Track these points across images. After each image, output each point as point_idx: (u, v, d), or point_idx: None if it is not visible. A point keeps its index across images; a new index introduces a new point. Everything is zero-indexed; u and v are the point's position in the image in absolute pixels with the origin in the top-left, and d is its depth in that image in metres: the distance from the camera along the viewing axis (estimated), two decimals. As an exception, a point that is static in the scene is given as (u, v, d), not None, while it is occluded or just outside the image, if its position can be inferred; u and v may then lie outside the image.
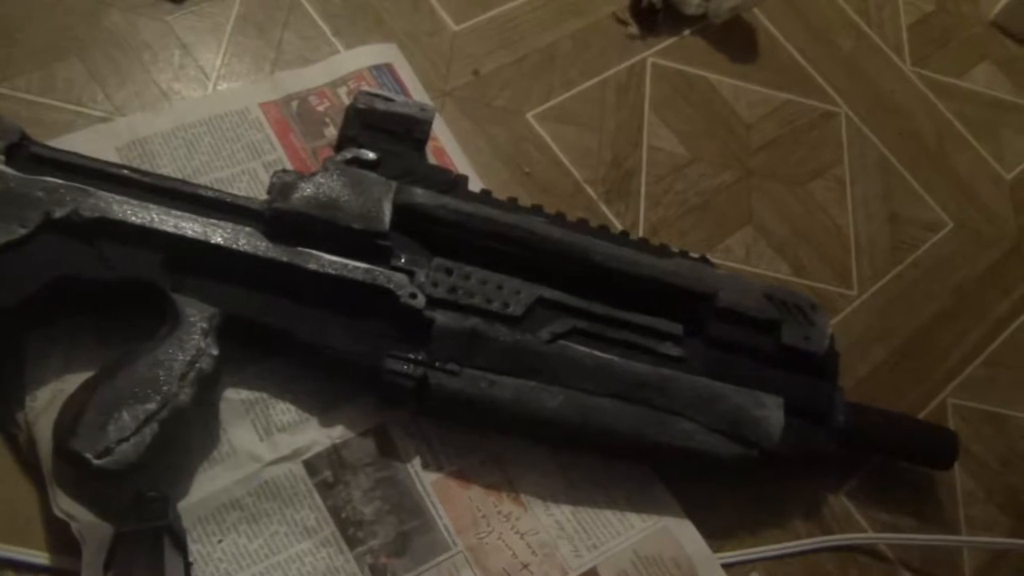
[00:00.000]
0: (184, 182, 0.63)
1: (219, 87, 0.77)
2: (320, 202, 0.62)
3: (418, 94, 0.80)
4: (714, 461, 0.66)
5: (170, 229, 0.60)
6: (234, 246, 0.61)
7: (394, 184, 0.64)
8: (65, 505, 0.55)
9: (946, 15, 1.06)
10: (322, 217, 0.62)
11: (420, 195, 0.65)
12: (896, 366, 0.82)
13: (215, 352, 0.59)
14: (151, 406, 0.56)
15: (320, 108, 0.77)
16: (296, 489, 0.62)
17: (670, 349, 0.67)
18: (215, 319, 0.60)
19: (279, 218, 0.61)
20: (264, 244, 0.61)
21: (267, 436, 0.63)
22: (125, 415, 0.55)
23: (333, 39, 0.82)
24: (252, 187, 0.71)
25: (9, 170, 0.59)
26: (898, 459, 0.75)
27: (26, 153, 0.61)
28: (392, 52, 0.82)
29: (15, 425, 0.59)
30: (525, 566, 0.64)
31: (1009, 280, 0.90)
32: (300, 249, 0.62)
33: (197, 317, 0.59)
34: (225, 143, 0.73)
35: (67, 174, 0.60)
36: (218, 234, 0.61)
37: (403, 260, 0.64)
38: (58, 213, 0.58)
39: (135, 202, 0.60)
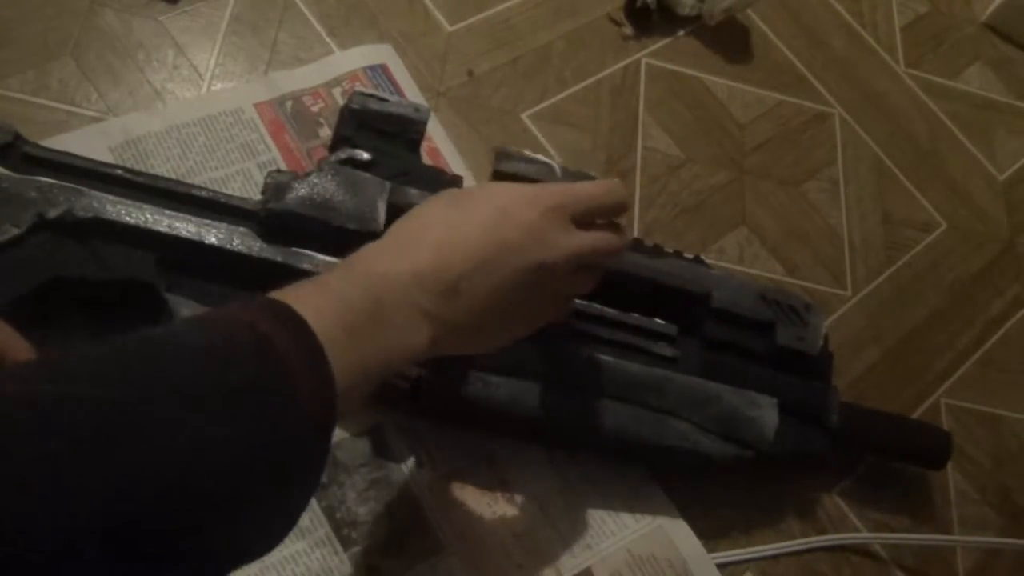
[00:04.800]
0: (178, 182, 0.63)
1: (213, 87, 0.77)
2: (314, 202, 0.62)
3: (412, 94, 0.80)
4: (708, 461, 0.66)
5: (164, 229, 0.60)
6: (228, 246, 0.61)
7: (389, 184, 0.64)
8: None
9: (939, 16, 1.06)
10: (316, 217, 0.61)
11: (415, 196, 0.64)
12: (889, 366, 0.82)
13: (209, 352, 0.59)
14: (145, 406, 0.56)
15: (314, 108, 0.77)
16: (290, 490, 0.62)
17: (664, 349, 0.68)
18: (209, 319, 0.59)
19: (273, 218, 0.61)
20: (258, 244, 0.61)
21: (261, 436, 0.63)
22: (119, 415, 0.55)
23: (327, 39, 0.82)
24: (246, 187, 0.71)
25: (2, 170, 0.58)
26: (891, 459, 0.75)
27: (20, 153, 0.60)
28: (387, 52, 0.82)
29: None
30: (519, 566, 0.64)
31: (1002, 280, 0.90)
32: (294, 249, 0.62)
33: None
34: (219, 143, 0.73)
35: (61, 174, 0.60)
36: (212, 234, 0.61)
37: (398, 260, 0.64)
38: (52, 213, 0.58)
39: (129, 202, 0.60)
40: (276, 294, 0.44)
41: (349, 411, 0.43)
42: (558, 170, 0.60)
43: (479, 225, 0.51)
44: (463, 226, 0.51)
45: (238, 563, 0.39)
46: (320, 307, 0.43)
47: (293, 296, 0.43)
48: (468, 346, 0.53)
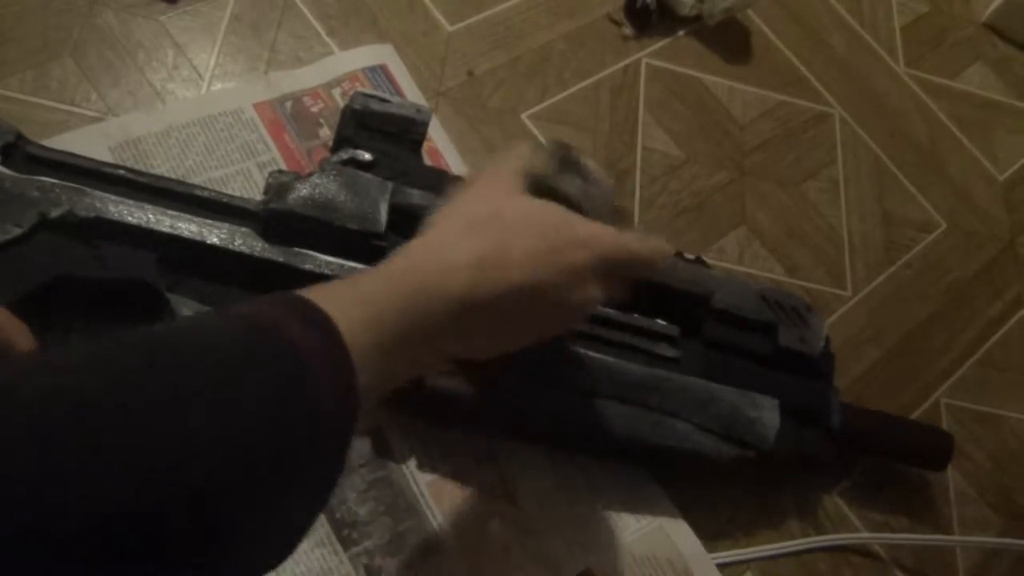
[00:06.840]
0: (180, 182, 0.63)
1: (213, 87, 0.77)
2: (316, 203, 0.62)
3: (412, 95, 0.80)
4: (709, 462, 0.66)
5: (166, 229, 0.60)
6: (230, 246, 0.61)
7: (390, 185, 0.64)
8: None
9: (939, 16, 1.06)
10: (318, 218, 0.61)
11: (416, 196, 0.64)
12: (889, 366, 0.82)
13: (210, 353, 0.59)
14: (146, 407, 0.56)
15: (314, 109, 0.77)
16: (291, 490, 0.62)
17: (666, 350, 0.68)
18: (210, 320, 0.59)
19: (275, 218, 0.61)
20: (260, 244, 0.61)
21: (262, 437, 0.63)
22: (120, 416, 0.55)
23: (327, 39, 0.82)
24: (246, 187, 0.71)
25: (5, 170, 0.58)
26: (892, 460, 0.75)
27: (22, 153, 0.60)
28: (386, 53, 0.82)
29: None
30: (519, 567, 0.64)
31: (1002, 281, 0.90)
32: (296, 250, 0.62)
33: (192, 318, 0.59)
34: (219, 143, 0.73)
35: (63, 174, 0.60)
36: (214, 234, 0.61)
37: (399, 261, 0.64)
38: (54, 213, 0.58)
39: (131, 202, 0.60)
40: (307, 292, 0.44)
41: (364, 415, 0.43)
42: (610, 195, 0.57)
43: (526, 254, 0.50)
44: (508, 247, 0.50)
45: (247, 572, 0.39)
46: (350, 311, 0.43)
47: (325, 295, 0.43)
48: (473, 354, 0.53)
